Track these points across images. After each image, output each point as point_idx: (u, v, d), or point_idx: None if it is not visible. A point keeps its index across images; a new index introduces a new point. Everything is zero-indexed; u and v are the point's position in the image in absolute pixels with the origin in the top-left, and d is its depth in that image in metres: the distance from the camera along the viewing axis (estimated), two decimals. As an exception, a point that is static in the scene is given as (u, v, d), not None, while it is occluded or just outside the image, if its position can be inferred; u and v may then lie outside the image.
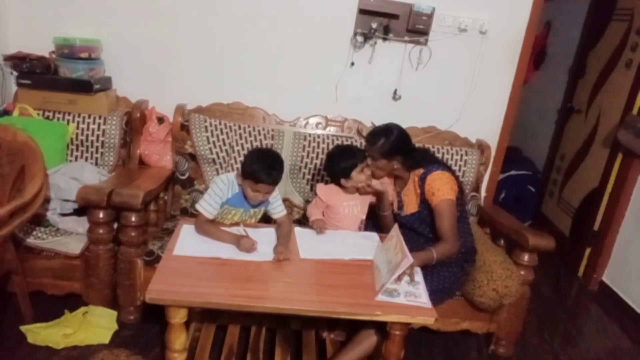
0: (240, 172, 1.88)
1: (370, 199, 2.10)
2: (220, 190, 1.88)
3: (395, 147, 1.94)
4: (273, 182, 1.85)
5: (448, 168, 2.00)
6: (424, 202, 1.95)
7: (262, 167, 1.80)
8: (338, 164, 1.99)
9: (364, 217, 2.11)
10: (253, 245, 1.76)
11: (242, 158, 2.38)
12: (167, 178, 2.36)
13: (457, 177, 2.00)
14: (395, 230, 1.77)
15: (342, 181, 2.00)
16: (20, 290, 2.02)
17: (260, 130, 2.42)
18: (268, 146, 2.39)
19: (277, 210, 2.00)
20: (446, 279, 1.97)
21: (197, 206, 1.88)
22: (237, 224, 1.93)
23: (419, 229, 2.01)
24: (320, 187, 2.10)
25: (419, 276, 1.70)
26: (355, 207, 2.08)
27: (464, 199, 2.22)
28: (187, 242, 1.76)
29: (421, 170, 1.96)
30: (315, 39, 2.50)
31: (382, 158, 1.95)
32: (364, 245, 1.92)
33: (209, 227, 1.85)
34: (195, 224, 1.87)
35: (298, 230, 2.02)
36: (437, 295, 1.90)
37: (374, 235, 2.01)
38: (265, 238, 1.85)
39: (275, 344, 2.03)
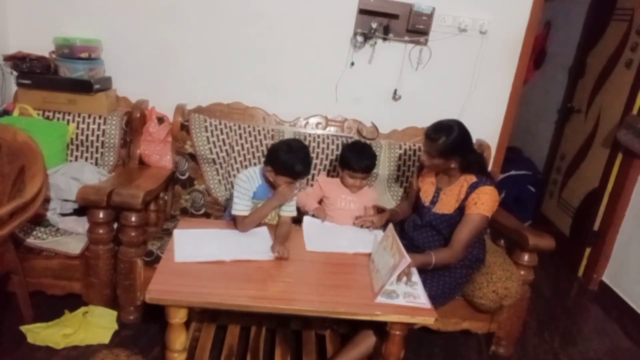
0: (272, 169, 1.86)
1: (368, 201, 2.15)
2: (244, 189, 1.90)
3: (455, 147, 1.84)
4: (308, 173, 1.94)
5: (496, 185, 1.94)
6: (461, 208, 1.91)
7: (299, 163, 1.82)
8: (348, 151, 2.11)
9: (360, 214, 2.14)
10: (291, 190, 1.87)
11: (242, 158, 2.38)
12: (167, 178, 2.36)
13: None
14: (390, 230, 1.76)
15: (341, 174, 2.13)
16: (20, 290, 2.02)
17: (260, 130, 2.42)
18: (268, 146, 2.38)
19: (290, 209, 1.99)
20: (447, 284, 1.96)
21: (233, 211, 1.91)
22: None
23: (444, 231, 1.97)
24: (322, 177, 2.23)
25: (415, 276, 1.70)
26: (353, 202, 2.14)
27: None
28: (185, 248, 1.75)
29: (474, 178, 1.90)
30: (315, 39, 2.50)
31: (439, 157, 1.86)
32: (367, 239, 1.94)
33: (250, 218, 1.90)
34: (238, 226, 1.92)
35: (306, 220, 2.07)
36: (438, 299, 1.89)
37: (378, 233, 2.02)
38: (260, 237, 1.88)
39: (275, 344, 2.03)
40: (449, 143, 1.83)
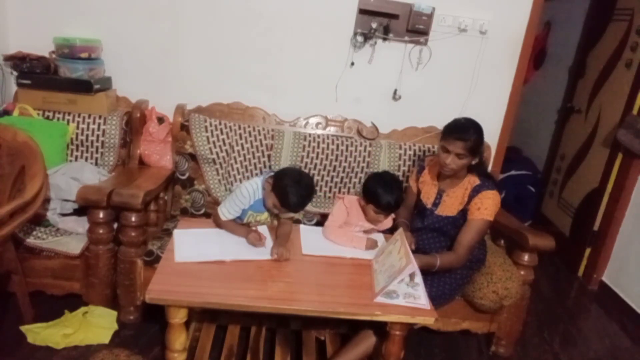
0: (272, 183, 1.88)
1: (381, 226, 2.08)
2: (240, 202, 1.93)
3: (482, 142, 1.87)
4: (297, 211, 1.95)
5: (498, 187, 1.93)
6: (464, 211, 1.91)
7: (295, 198, 1.82)
8: (377, 186, 1.92)
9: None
10: (260, 240, 1.83)
11: (242, 158, 2.38)
12: (167, 178, 2.36)
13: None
14: (399, 234, 1.76)
15: (363, 203, 1.99)
16: (20, 290, 2.02)
17: (260, 130, 2.42)
18: (268, 146, 2.39)
19: None
20: (447, 285, 1.96)
21: (218, 209, 1.97)
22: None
23: (448, 233, 1.97)
24: (349, 198, 2.06)
25: (418, 277, 1.70)
26: (364, 228, 2.06)
27: None
28: (185, 248, 1.76)
29: (477, 181, 1.89)
30: (315, 39, 2.50)
31: (470, 155, 1.82)
32: None
33: (225, 223, 1.95)
34: (214, 220, 2.00)
35: (303, 227, 2.09)
36: (438, 300, 1.90)
37: (379, 237, 2.03)
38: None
39: (275, 344, 2.03)
40: (480, 139, 1.84)
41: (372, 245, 1.92)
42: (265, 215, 2.01)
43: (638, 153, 2.77)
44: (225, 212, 1.93)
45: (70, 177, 2.18)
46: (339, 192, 2.45)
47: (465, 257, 1.88)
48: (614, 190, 3.04)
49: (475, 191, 1.88)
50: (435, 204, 2.01)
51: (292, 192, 1.81)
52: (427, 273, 1.83)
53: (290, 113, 2.55)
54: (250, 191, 1.93)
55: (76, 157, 2.42)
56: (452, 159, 1.84)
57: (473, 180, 1.91)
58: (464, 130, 1.82)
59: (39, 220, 2.11)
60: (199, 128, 2.36)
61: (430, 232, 2.02)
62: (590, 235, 3.18)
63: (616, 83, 3.17)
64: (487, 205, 1.86)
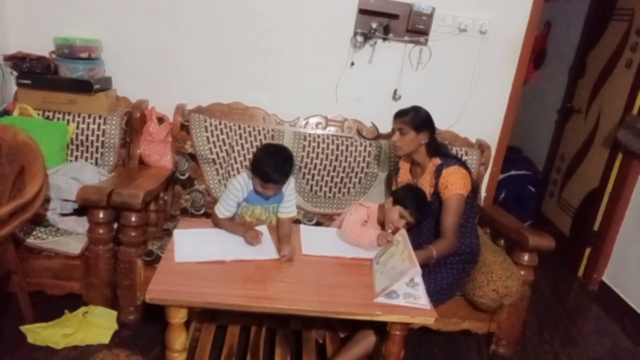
0: (250, 167, 1.90)
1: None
2: (234, 195, 1.93)
3: (425, 120, 1.98)
4: (281, 182, 1.88)
5: (465, 165, 2.01)
6: (437, 194, 1.96)
7: (271, 167, 1.81)
8: (407, 193, 1.99)
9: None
10: (257, 237, 1.83)
11: (242, 158, 2.38)
12: (167, 178, 2.36)
13: (472, 175, 2.02)
14: (402, 236, 1.76)
15: (388, 206, 1.99)
16: (20, 290, 2.02)
17: (260, 130, 2.42)
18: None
19: (289, 210, 2.01)
20: (444, 280, 1.97)
21: (215, 208, 1.96)
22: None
23: (424, 221, 2.00)
24: (373, 206, 2.09)
25: (418, 278, 1.70)
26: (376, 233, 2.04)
27: (476, 198, 2.20)
28: (185, 248, 1.76)
29: (439, 161, 1.97)
30: (315, 39, 2.50)
31: (412, 130, 1.95)
32: None
33: (223, 222, 1.95)
34: (213, 219, 1.99)
35: (303, 227, 2.10)
36: (436, 296, 1.90)
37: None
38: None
39: (275, 344, 2.03)
40: (419, 115, 1.97)
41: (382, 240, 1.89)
42: (259, 208, 2.00)
43: (638, 153, 2.77)
44: (222, 209, 1.93)
45: (70, 177, 2.18)
46: (339, 192, 2.46)
47: (454, 238, 1.91)
48: (614, 190, 3.04)
49: (438, 171, 1.95)
50: None
51: (266, 162, 1.81)
52: (422, 268, 1.83)
53: (290, 113, 2.55)
54: (241, 183, 1.93)
55: (76, 157, 2.42)
56: (397, 137, 1.98)
57: (436, 161, 1.98)
58: (403, 110, 2.00)
59: (39, 220, 2.11)
60: (199, 128, 2.36)
61: (415, 226, 2.03)
62: (590, 235, 3.18)
63: (616, 83, 3.17)
64: (453, 180, 1.90)
